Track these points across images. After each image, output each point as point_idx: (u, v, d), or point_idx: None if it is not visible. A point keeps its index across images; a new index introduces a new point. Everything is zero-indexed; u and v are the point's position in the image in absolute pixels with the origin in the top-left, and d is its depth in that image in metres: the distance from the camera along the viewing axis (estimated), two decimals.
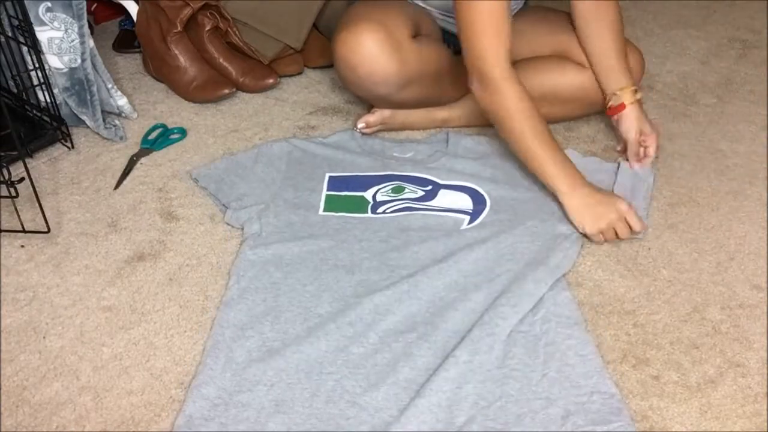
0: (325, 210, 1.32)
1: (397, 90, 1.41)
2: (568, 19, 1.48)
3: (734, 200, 1.41)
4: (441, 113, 1.55)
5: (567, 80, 1.48)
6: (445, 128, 1.55)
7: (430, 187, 1.36)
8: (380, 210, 1.32)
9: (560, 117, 1.55)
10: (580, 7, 1.43)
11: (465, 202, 1.33)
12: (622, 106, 1.43)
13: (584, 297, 1.20)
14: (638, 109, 1.44)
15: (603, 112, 1.50)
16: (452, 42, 1.51)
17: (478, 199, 1.34)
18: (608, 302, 1.20)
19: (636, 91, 1.43)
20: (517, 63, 1.39)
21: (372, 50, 1.34)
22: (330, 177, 1.39)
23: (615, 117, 1.46)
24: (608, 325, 1.16)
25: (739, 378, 1.08)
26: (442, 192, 1.35)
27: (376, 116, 1.50)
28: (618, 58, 1.43)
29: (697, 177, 1.47)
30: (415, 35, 1.42)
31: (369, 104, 1.54)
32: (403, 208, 1.32)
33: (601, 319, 1.16)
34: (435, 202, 1.33)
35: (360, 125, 1.51)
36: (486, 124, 1.47)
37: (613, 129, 1.51)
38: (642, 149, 1.43)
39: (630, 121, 1.43)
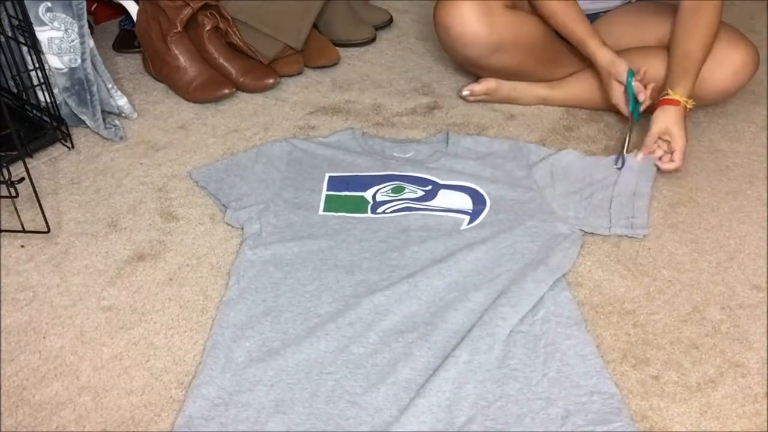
0: (325, 210, 1.32)
1: (487, 53, 1.52)
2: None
3: (734, 200, 1.41)
4: (542, 90, 1.64)
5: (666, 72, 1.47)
6: (544, 105, 1.65)
7: (429, 187, 1.36)
8: (380, 210, 1.32)
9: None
10: (683, 3, 1.45)
11: (465, 202, 1.33)
12: (672, 101, 1.41)
13: (584, 297, 1.20)
14: (682, 113, 1.41)
15: (635, 109, 1.47)
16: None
17: (478, 199, 1.34)
18: (608, 302, 1.20)
19: (688, 102, 1.42)
20: (624, 51, 1.50)
21: (463, 12, 1.48)
22: (330, 177, 1.39)
23: (658, 109, 1.43)
24: (608, 325, 1.16)
25: (739, 378, 1.08)
26: (441, 192, 1.35)
27: (482, 86, 1.62)
28: (694, 65, 1.42)
29: (697, 177, 1.47)
30: (513, 6, 1.53)
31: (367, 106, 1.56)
32: (403, 208, 1.32)
33: (601, 319, 1.16)
34: (435, 202, 1.33)
35: (465, 92, 1.65)
36: (582, 106, 1.61)
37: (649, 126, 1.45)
38: (663, 152, 1.42)
39: (666, 117, 1.41)
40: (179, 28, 1.62)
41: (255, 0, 1.70)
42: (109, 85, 1.52)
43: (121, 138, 1.52)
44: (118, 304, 1.17)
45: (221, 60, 1.67)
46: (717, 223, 1.36)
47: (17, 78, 1.47)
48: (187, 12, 1.61)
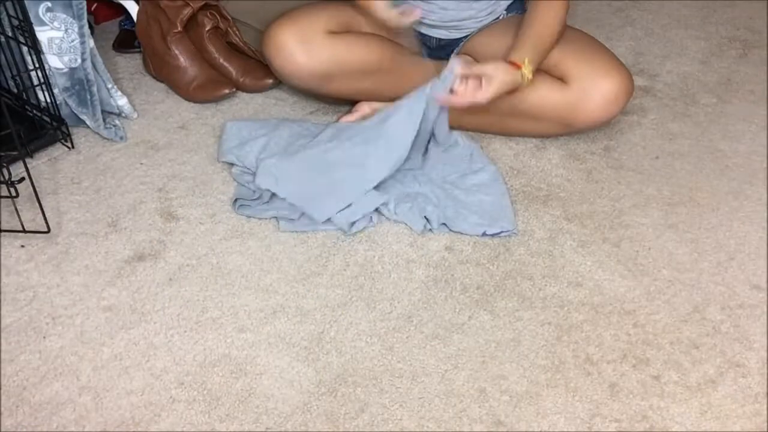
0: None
1: (317, 83, 1.46)
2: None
3: (734, 200, 1.41)
4: None
5: (539, 97, 1.43)
6: None
7: None
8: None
9: (533, 133, 1.52)
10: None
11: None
12: (511, 62, 1.35)
13: (584, 297, 1.20)
14: (512, 74, 1.34)
15: (579, 132, 1.49)
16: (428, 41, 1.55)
17: None
18: (608, 302, 1.20)
19: (527, 69, 1.35)
20: None
21: (282, 44, 1.42)
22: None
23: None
24: (608, 325, 1.16)
25: (739, 378, 1.08)
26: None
27: (355, 115, 1.53)
28: (542, 41, 1.38)
29: (697, 177, 1.47)
30: (343, 32, 1.45)
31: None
32: None
33: (601, 319, 1.16)
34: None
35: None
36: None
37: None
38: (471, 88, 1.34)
39: (502, 72, 1.34)
40: (179, 28, 1.62)
41: (255, 0, 1.70)
42: (109, 85, 1.52)
43: (121, 138, 1.52)
44: (118, 304, 1.17)
45: (221, 60, 1.67)
46: (717, 223, 1.36)
47: (17, 78, 1.47)
48: (187, 12, 1.61)
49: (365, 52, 1.46)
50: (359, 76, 1.47)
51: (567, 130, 1.49)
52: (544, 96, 1.42)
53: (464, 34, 1.55)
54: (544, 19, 1.40)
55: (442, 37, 1.54)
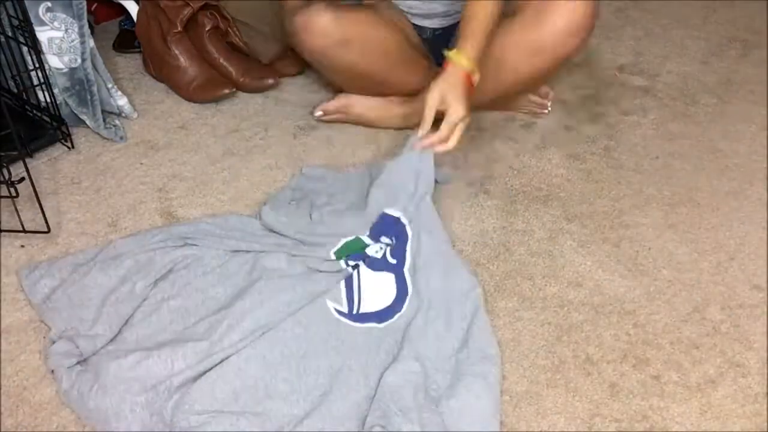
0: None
1: (335, 47, 1.42)
2: None
3: (734, 200, 1.41)
4: (399, 108, 1.55)
5: (509, 39, 1.39)
6: (405, 125, 1.53)
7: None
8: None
9: (510, 82, 1.46)
10: None
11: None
12: (447, 63, 1.28)
13: (584, 297, 1.20)
14: (462, 79, 1.26)
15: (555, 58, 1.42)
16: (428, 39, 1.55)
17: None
18: (608, 302, 1.20)
19: (473, 70, 1.28)
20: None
21: (312, 5, 1.40)
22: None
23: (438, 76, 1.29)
24: (608, 325, 1.16)
25: (739, 378, 1.08)
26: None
27: (334, 102, 1.53)
28: (480, 29, 1.29)
29: (697, 177, 1.47)
30: (374, 8, 1.47)
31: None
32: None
33: (601, 319, 1.16)
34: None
35: (318, 113, 1.57)
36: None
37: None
38: (441, 132, 1.26)
39: (443, 82, 1.25)
40: (179, 28, 1.62)
41: (255, 0, 1.70)
42: (109, 85, 1.52)
43: (121, 138, 1.52)
44: None
45: (221, 60, 1.67)
46: (717, 223, 1.36)
47: (17, 78, 1.47)
48: (187, 12, 1.61)
49: (388, 33, 1.46)
50: (374, 52, 1.45)
51: (540, 58, 1.41)
52: (513, 34, 1.38)
53: (457, 21, 1.52)
54: (478, 16, 1.31)
55: (436, 27, 1.54)
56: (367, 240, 1.24)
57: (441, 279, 1.17)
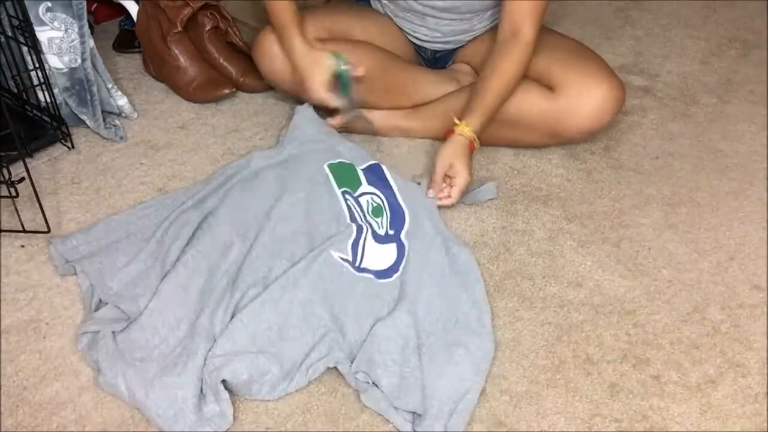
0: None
1: (294, 85, 1.45)
2: (550, 40, 1.42)
3: (734, 200, 1.41)
4: (402, 122, 1.53)
5: (527, 106, 1.39)
6: (407, 137, 1.54)
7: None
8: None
9: (523, 142, 1.49)
10: (498, 40, 1.37)
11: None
12: (452, 132, 1.34)
13: (584, 297, 1.20)
14: (466, 147, 1.33)
15: (570, 142, 1.48)
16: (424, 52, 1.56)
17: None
18: (608, 302, 1.20)
19: (475, 140, 1.34)
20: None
21: (266, 49, 1.47)
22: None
23: (446, 141, 1.35)
24: (608, 325, 1.16)
25: (739, 378, 1.08)
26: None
27: (337, 119, 1.48)
28: (486, 106, 1.35)
29: (697, 177, 1.47)
30: (332, 39, 1.44)
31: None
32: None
33: (601, 319, 1.16)
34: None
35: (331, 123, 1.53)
36: (443, 139, 1.38)
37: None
38: (446, 187, 1.34)
39: (451, 150, 1.33)
40: (179, 28, 1.62)
41: (255, 0, 1.70)
42: (109, 85, 1.52)
43: (121, 138, 1.52)
44: None
45: (221, 60, 1.67)
46: (717, 223, 1.36)
47: (17, 78, 1.47)
48: (187, 12, 1.61)
49: (353, 58, 1.40)
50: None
51: (557, 140, 1.45)
52: (533, 104, 1.39)
53: (460, 45, 1.55)
54: (494, 76, 1.35)
55: (437, 49, 1.55)
56: (361, 176, 1.35)
57: (441, 253, 1.24)
